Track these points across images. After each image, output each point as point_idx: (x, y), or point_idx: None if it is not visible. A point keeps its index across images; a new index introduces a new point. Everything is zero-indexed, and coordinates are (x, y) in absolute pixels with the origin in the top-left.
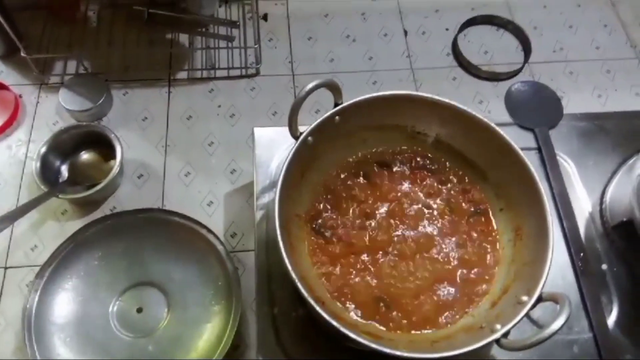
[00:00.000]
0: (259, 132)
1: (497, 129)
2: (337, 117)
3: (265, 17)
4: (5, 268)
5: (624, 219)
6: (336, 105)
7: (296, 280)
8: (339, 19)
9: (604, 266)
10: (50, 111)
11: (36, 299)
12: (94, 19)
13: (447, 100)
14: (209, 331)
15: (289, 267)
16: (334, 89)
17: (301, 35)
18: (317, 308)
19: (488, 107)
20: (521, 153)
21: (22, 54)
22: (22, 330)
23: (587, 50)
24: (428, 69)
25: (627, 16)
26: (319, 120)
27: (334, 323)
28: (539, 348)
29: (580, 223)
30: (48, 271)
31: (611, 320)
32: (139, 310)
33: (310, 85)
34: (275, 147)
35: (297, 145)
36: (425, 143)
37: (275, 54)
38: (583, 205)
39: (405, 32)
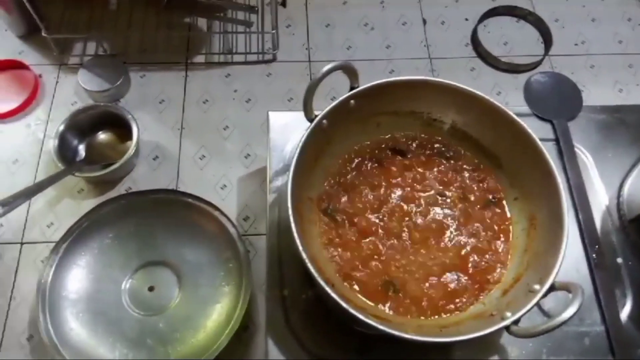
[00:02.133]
0: (273, 116)
1: (515, 117)
2: (352, 101)
3: (283, 4)
4: (22, 244)
5: None
6: (352, 89)
7: (306, 261)
8: (358, 7)
9: (619, 260)
10: (69, 91)
11: (51, 273)
12: (114, 1)
13: (465, 87)
14: (219, 311)
15: (300, 248)
16: (351, 73)
17: (319, 22)
18: (327, 289)
19: (506, 98)
20: (539, 142)
21: (43, 34)
22: (36, 303)
23: (610, 44)
24: (446, 58)
25: None
26: (334, 103)
27: (344, 305)
28: (550, 339)
29: (597, 216)
30: (63, 247)
31: (624, 314)
32: (151, 289)
33: (327, 67)
34: (289, 131)
35: (311, 127)
36: (440, 130)
37: (292, 40)
38: (600, 198)
39: (424, 22)
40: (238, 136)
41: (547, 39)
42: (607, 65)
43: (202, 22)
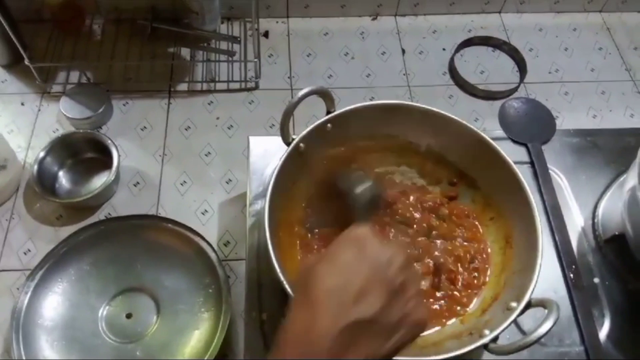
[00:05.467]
0: (254, 140)
1: (487, 137)
2: (328, 125)
3: (266, 34)
4: None
5: (616, 233)
6: (328, 113)
7: (284, 282)
8: (338, 37)
9: (596, 280)
10: (51, 119)
11: (26, 301)
12: (99, 32)
13: (439, 111)
14: (197, 338)
15: (277, 269)
16: (327, 97)
17: (300, 51)
18: None
19: (484, 124)
20: (510, 161)
21: (26, 63)
22: (9, 331)
23: (583, 72)
24: (425, 86)
25: (622, 40)
26: (311, 127)
27: None
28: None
29: (573, 237)
30: (39, 274)
31: (603, 333)
32: (129, 316)
33: (303, 91)
34: (269, 155)
35: (289, 150)
36: (417, 153)
37: (274, 69)
38: (575, 219)
39: (403, 51)
40: (220, 162)
41: (521, 68)
42: (581, 92)
43: (185, 52)
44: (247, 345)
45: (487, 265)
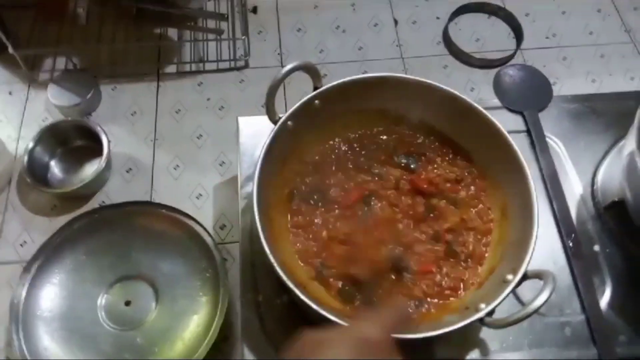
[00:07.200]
0: (243, 121)
1: (479, 107)
2: (316, 101)
3: (254, 10)
4: None
5: (616, 199)
6: (315, 89)
7: (274, 264)
8: (329, 10)
9: (596, 247)
10: (40, 108)
11: (24, 293)
12: (83, 15)
13: (428, 81)
14: (196, 322)
15: (267, 250)
16: (313, 73)
17: (290, 26)
18: (297, 291)
19: (480, 94)
20: (503, 130)
21: (10, 51)
22: (9, 324)
23: (581, 35)
24: (419, 57)
25: (622, 1)
26: (298, 104)
27: (314, 306)
28: (530, 331)
29: (572, 205)
30: (35, 266)
31: (604, 301)
32: (127, 303)
33: (286, 68)
34: (260, 135)
35: (276, 129)
36: (409, 125)
37: (264, 46)
38: (574, 187)
39: (396, 22)
40: (212, 144)
41: (518, 34)
42: (579, 57)
43: (172, 32)
44: (244, 328)
45: (487, 238)
